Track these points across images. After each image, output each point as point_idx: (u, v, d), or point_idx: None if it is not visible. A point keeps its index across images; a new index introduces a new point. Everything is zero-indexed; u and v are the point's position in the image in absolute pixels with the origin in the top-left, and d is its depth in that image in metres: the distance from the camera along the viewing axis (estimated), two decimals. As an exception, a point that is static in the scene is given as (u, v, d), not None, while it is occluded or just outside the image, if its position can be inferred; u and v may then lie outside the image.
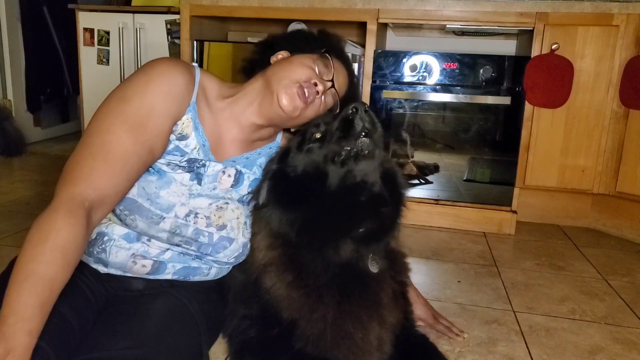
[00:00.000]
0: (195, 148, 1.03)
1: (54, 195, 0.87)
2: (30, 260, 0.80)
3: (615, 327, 1.41)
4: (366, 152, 0.98)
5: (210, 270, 1.11)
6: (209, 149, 1.06)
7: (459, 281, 1.68)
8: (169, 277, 1.06)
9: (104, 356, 0.85)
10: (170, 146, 1.01)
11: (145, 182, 0.99)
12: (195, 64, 1.07)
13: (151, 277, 1.05)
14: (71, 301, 0.91)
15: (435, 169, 2.30)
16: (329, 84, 1.07)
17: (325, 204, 1.01)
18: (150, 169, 1.00)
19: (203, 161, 1.05)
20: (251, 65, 1.20)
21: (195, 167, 1.04)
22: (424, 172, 2.31)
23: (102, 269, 1.03)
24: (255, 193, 1.09)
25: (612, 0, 2.05)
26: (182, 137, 1.02)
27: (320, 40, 1.18)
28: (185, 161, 1.03)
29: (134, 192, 0.98)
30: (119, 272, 1.03)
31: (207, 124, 1.05)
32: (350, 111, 0.99)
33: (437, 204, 2.24)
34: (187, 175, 1.03)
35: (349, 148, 0.97)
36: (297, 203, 1.02)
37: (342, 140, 0.98)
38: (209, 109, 1.06)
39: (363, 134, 0.97)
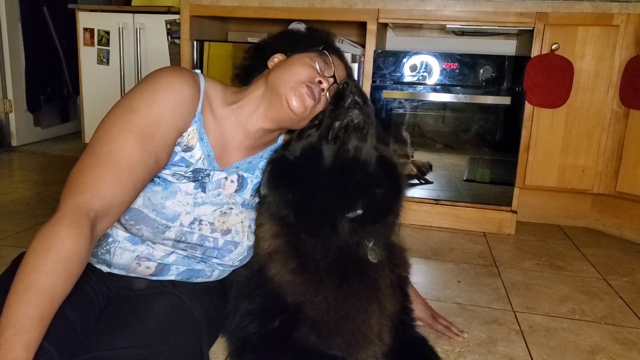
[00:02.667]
0: (200, 158, 1.04)
1: (59, 204, 0.86)
2: (32, 270, 0.78)
3: (615, 327, 1.41)
4: (356, 122, 1.01)
5: (213, 273, 1.11)
6: (213, 158, 1.06)
7: (459, 281, 1.68)
8: (172, 278, 1.07)
9: (105, 356, 0.85)
10: (176, 157, 1.02)
11: (150, 193, 0.99)
12: (198, 71, 1.07)
13: (154, 278, 1.05)
14: (74, 300, 0.91)
15: (429, 167, 2.30)
16: (331, 79, 1.09)
17: (320, 181, 1.03)
18: (155, 179, 1.00)
19: (207, 171, 1.05)
20: (245, 72, 1.20)
21: (200, 177, 1.05)
22: (421, 172, 2.31)
23: (105, 268, 1.04)
24: (259, 187, 1.11)
25: (612, 0, 2.05)
26: (188, 149, 1.02)
27: (312, 37, 1.19)
28: (190, 172, 1.03)
29: (139, 203, 0.98)
30: (122, 272, 1.04)
31: (212, 133, 1.05)
32: (341, 86, 1.04)
33: (437, 204, 2.24)
34: (192, 185, 1.04)
35: (340, 121, 1.01)
36: (294, 184, 1.05)
37: (333, 113, 1.03)
38: (214, 118, 1.06)
39: (353, 105, 1.02)
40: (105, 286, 1.04)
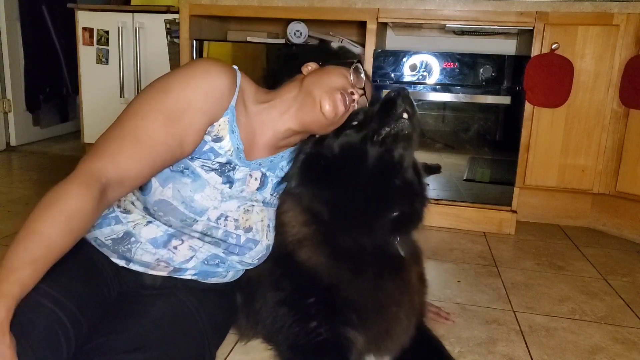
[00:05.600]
0: (229, 150, 1.05)
1: (76, 166, 0.90)
2: (34, 220, 0.82)
3: (615, 327, 1.41)
4: (406, 132, 1.03)
5: (228, 273, 1.13)
6: (242, 151, 1.07)
7: (459, 281, 1.68)
8: (188, 277, 1.08)
9: None
10: (205, 147, 1.03)
11: (180, 185, 1.01)
12: (235, 67, 1.09)
13: (172, 275, 1.07)
14: (85, 294, 0.94)
15: (436, 169, 2.30)
16: (361, 91, 1.13)
17: (360, 183, 1.05)
18: (184, 170, 1.02)
19: (234, 164, 1.07)
20: (274, 75, 1.23)
21: (226, 170, 1.06)
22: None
23: (124, 264, 1.05)
24: (287, 176, 1.13)
25: (612, -1, 2.05)
26: (218, 139, 1.04)
27: (344, 55, 1.24)
28: (217, 163, 1.05)
29: (168, 195, 1.00)
30: (141, 269, 1.05)
31: (243, 127, 1.07)
32: (393, 94, 1.05)
33: (437, 203, 2.24)
34: (219, 179, 1.05)
35: (389, 127, 1.02)
36: (332, 181, 1.06)
37: (383, 119, 1.04)
38: (246, 113, 1.09)
39: (405, 115, 1.02)
40: (117, 281, 1.05)
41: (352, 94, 1.10)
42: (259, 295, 1.13)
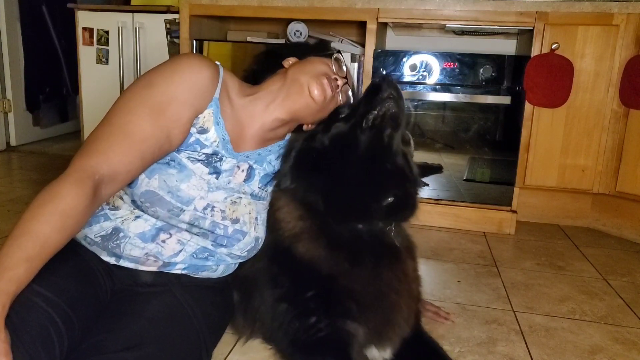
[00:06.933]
0: (215, 141, 1.07)
1: (69, 164, 0.91)
2: (29, 219, 0.84)
3: (615, 327, 1.41)
4: (393, 111, 1.05)
5: (219, 267, 1.13)
6: (228, 142, 1.09)
7: (458, 281, 1.68)
8: (178, 272, 1.08)
9: None
10: (191, 139, 1.05)
11: (166, 175, 1.02)
12: (218, 63, 1.10)
13: (162, 269, 1.07)
14: (77, 295, 0.93)
15: (438, 169, 2.29)
16: (344, 80, 1.15)
17: (352, 169, 1.06)
18: (170, 162, 1.03)
19: (220, 155, 1.08)
20: (254, 75, 1.24)
21: (213, 161, 1.07)
22: (423, 173, 2.30)
23: (114, 261, 1.05)
24: (280, 174, 1.14)
25: (612, -1, 2.05)
26: (203, 131, 1.05)
27: (321, 48, 1.25)
28: (203, 154, 1.06)
29: (155, 185, 1.01)
30: (131, 265, 1.05)
31: (228, 119, 1.09)
32: (378, 80, 1.08)
33: (437, 203, 2.24)
34: (206, 169, 1.06)
35: (377, 110, 1.04)
36: (325, 170, 1.08)
37: (370, 103, 1.06)
38: (231, 105, 1.10)
39: (390, 97, 1.05)
40: (110, 280, 1.05)
41: (336, 80, 1.12)
42: (256, 294, 1.13)
